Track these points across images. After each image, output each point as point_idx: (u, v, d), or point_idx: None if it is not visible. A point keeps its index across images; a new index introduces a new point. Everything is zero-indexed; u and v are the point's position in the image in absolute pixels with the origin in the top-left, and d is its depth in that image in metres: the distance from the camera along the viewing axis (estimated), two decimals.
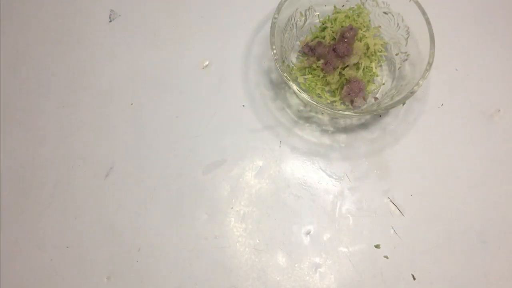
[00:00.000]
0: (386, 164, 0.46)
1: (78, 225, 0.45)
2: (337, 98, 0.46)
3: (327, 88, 0.47)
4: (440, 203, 0.45)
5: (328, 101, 0.46)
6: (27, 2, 0.55)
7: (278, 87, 0.50)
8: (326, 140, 0.48)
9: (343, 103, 0.47)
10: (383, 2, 0.48)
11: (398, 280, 0.42)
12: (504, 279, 0.42)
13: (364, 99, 0.46)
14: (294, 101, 0.49)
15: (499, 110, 0.49)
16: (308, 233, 0.44)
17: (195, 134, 0.48)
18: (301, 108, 0.49)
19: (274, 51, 0.43)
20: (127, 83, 0.51)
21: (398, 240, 0.43)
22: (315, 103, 0.41)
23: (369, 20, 0.49)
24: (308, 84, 0.47)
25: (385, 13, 0.48)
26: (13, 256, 0.44)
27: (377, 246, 0.43)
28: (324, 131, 0.48)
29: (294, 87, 0.42)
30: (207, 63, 0.52)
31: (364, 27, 0.48)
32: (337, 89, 0.47)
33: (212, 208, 0.45)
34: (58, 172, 0.47)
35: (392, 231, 0.44)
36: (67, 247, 0.44)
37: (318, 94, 0.46)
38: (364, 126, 0.48)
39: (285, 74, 0.42)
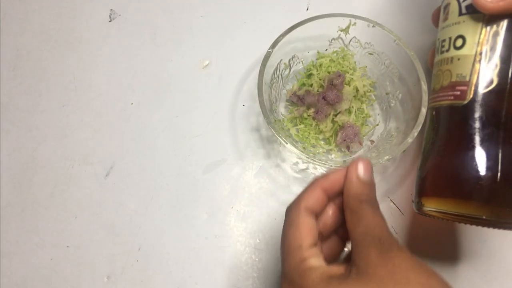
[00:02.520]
0: (386, 164, 0.46)
1: (78, 225, 0.45)
2: (332, 146, 0.45)
3: (321, 137, 0.46)
4: None
5: (324, 150, 0.45)
6: (27, 2, 0.55)
7: (269, 140, 0.48)
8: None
9: (340, 149, 0.45)
10: (367, 43, 0.47)
11: None
12: (504, 279, 0.42)
13: (360, 143, 0.45)
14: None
15: None
16: None
17: (195, 134, 0.48)
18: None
19: (269, 118, 0.41)
20: (127, 83, 0.51)
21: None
22: (317, 162, 0.40)
23: (355, 62, 0.48)
24: (301, 135, 0.45)
25: (370, 53, 0.47)
26: (13, 256, 0.44)
27: None
28: None
29: (295, 150, 0.40)
30: (207, 62, 0.52)
31: (351, 69, 0.47)
32: (331, 136, 0.45)
33: (212, 207, 0.45)
34: (58, 172, 0.47)
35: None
36: (67, 246, 0.44)
37: (313, 143, 0.45)
38: None
39: (283, 139, 0.40)
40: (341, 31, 0.46)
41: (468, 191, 0.31)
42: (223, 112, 0.49)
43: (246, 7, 0.54)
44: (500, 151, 0.30)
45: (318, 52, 0.48)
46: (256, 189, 0.46)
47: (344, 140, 0.44)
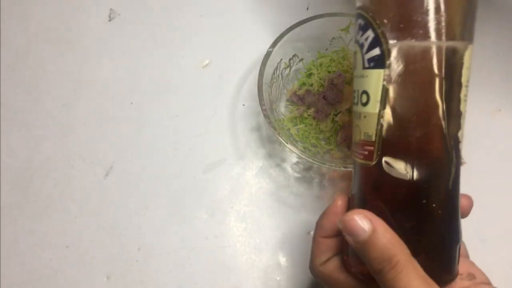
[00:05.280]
0: None
1: (78, 225, 0.44)
2: (333, 146, 0.45)
3: (321, 136, 0.45)
4: None
5: (325, 150, 0.45)
6: (27, 2, 0.55)
7: (269, 140, 0.48)
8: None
9: (340, 149, 0.45)
10: None
11: None
12: (504, 278, 0.42)
13: None
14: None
15: (500, 110, 0.49)
16: (308, 232, 0.44)
17: (195, 133, 0.48)
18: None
19: (270, 123, 0.40)
20: (127, 82, 0.51)
21: None
22: (317, 161, 0.40)
23: None
24: (302, 134, 0.45)
25: None
26: (13, 256, 0.44)
27: None
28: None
29: (296, 150, 0.39)
30: (207, 62, 0.52)
31: (351, 69, 0.47)
32: (331, 135, 0.45)
33: (212, 207, 0.45)
34: (57, 171, 0.47)
35: None
36: (67, 246, 0.44)
37: (313, 143, 0.45)
38: None
39: (283, 139, 0.40)
40: (341, 30, 0.46)
41: None
42: (223, 112, 0.49)
43: (246, 7, 0.54)
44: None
45: (318, 51, 0.48)
46: (256, 189, 0.46)
47: (345, 140, 0.44)
